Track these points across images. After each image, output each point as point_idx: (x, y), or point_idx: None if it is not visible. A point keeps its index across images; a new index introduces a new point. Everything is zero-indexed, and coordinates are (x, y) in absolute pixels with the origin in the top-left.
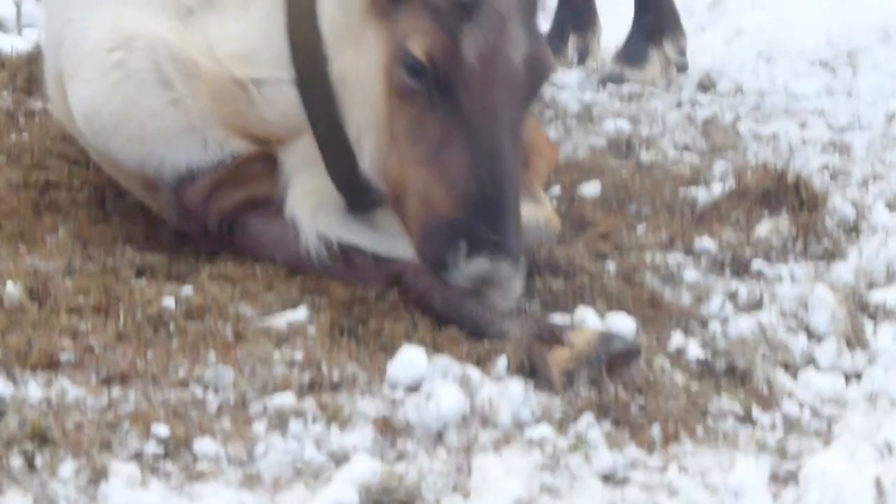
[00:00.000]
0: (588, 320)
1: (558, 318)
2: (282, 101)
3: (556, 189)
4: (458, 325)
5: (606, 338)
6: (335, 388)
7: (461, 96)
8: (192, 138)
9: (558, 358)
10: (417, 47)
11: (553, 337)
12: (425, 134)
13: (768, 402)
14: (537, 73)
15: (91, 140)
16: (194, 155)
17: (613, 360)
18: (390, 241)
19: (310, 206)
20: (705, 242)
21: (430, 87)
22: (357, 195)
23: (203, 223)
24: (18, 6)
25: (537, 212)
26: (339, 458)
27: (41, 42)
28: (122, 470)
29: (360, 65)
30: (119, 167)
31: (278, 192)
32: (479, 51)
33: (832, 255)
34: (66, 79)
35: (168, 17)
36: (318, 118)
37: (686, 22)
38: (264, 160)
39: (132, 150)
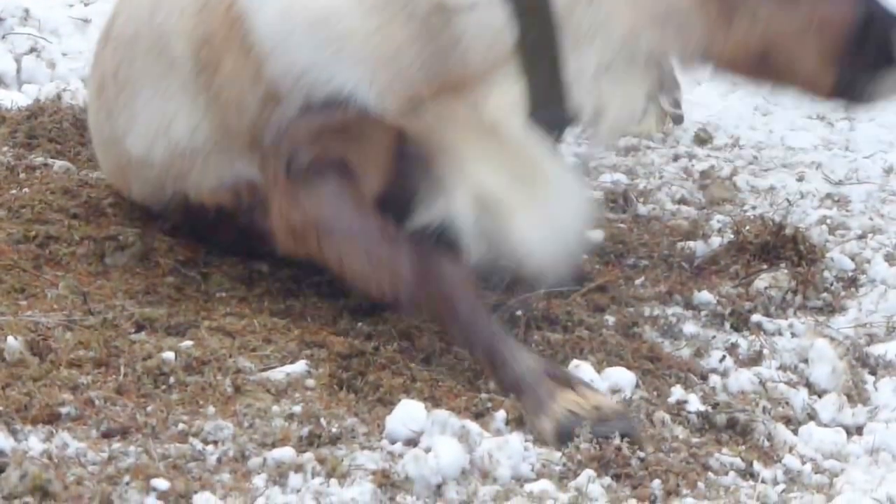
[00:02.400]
0: (584, 373)
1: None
2: (486, 30)
3: None
4: (471, 344)
5: (610, 417)
6: (334, 441)
7: None
8: (363, 71)
9: (564, 399)
10: None
11: (565, 380)
12: None
13: (769, 457)
14: None
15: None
16: (351, 85)
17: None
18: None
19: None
20: (704, 296)
21: None
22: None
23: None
24: (18, 62)
25: None
26: None
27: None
28: None
29: None
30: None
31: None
32: None
33: (832, 308)
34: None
35: None
36: (530, 35)
37: (682, 76)
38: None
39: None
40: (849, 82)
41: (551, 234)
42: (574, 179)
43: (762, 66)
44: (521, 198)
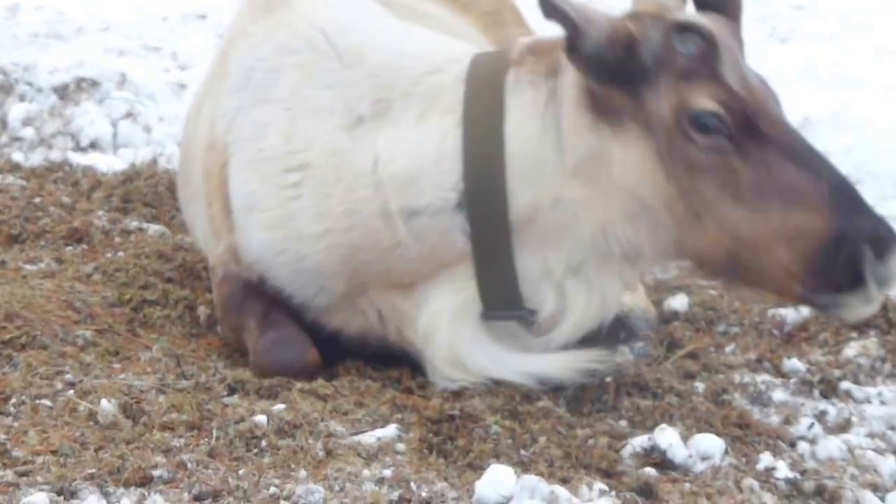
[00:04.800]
0: (671, 441)
1: (645, 439)
2: (432, 235)
3: None
4: None
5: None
6: None
7: (760, 125)
8: (307, 276)
9: None
10: (706, 102)
11: None
12: (745, 181)
13: None
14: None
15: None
16: (294, 288)
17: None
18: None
19: (448, 315)
20: (794, 363)
21: (732, 132)
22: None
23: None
24: (115, 126)
25: (636, 298)
26: None
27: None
28: None
29: (611, 172)
30: None
31: None
32: (741, 80)
33: None
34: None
35: (335, 126)
36: (484, 239)
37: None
38: None
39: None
40: (816, 296)
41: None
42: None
43: (733, 267)
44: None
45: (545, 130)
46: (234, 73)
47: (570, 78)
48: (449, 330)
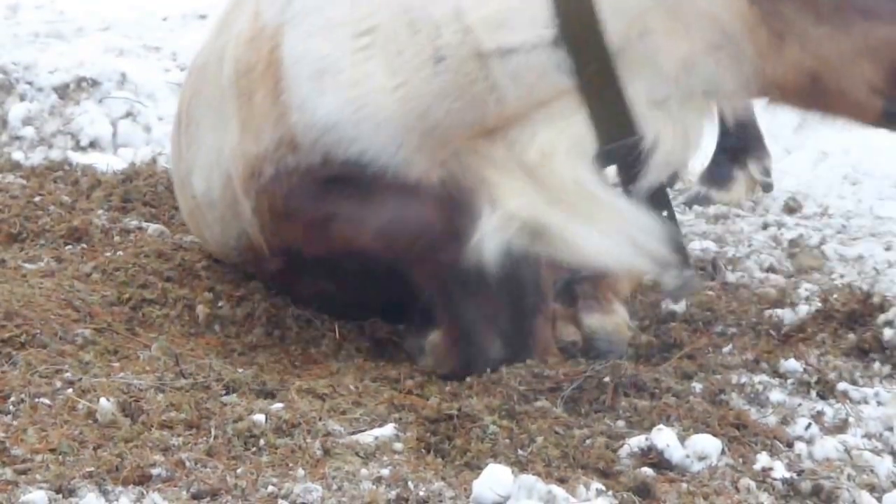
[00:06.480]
0: (669, 441)
1: (642, 439)
2: (529, 74)
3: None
4: None
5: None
6: None
7: None
8: (389, 135)
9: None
10: None
11: None
12: (825, 4)
13: None
14: None
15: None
16: (374, 150)
17: None
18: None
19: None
20: (791, 363)
21: None
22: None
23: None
24: (115, 125)
25: (604, 320)
26: None
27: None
28: None
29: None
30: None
31: None
32: None
33: None
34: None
35: None
36: (589, 71)
37: (772, 145)
38: None
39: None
40: None
41: (620, 243)
42: (637, 205)
43: (813, 91)
44: (575, 219)
45: None
46: None
47: None
48: (568, 159)
